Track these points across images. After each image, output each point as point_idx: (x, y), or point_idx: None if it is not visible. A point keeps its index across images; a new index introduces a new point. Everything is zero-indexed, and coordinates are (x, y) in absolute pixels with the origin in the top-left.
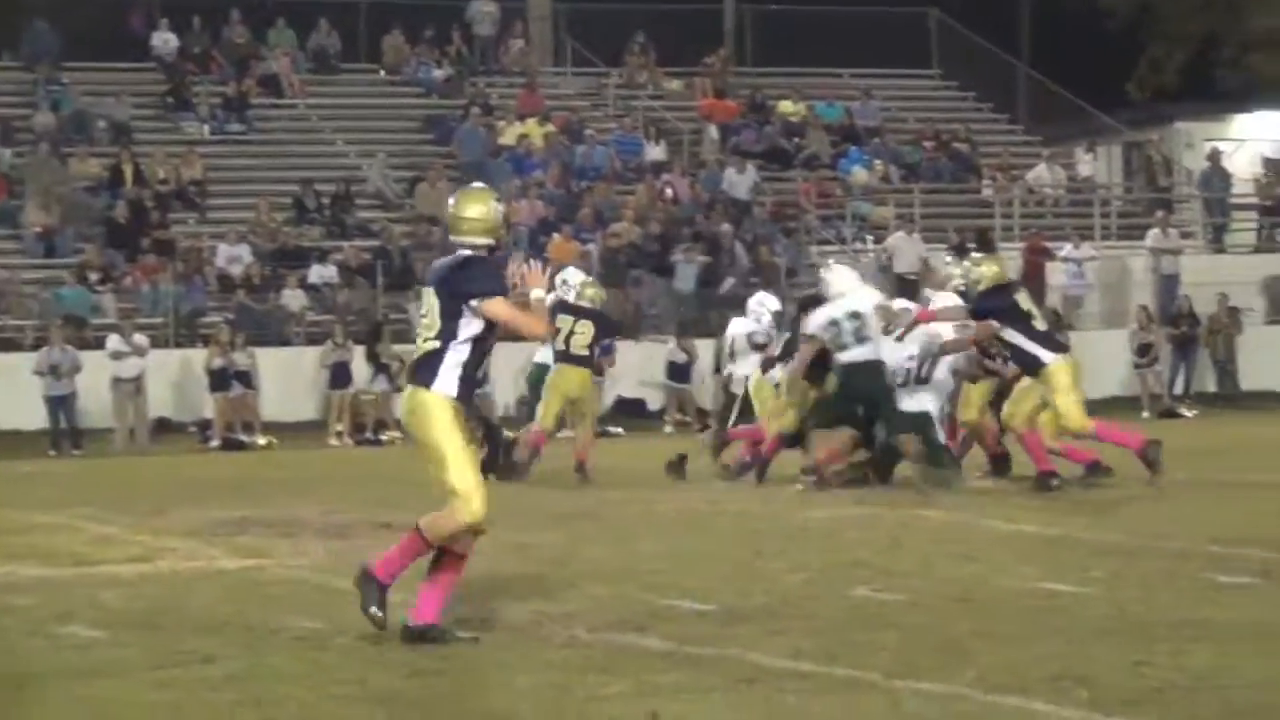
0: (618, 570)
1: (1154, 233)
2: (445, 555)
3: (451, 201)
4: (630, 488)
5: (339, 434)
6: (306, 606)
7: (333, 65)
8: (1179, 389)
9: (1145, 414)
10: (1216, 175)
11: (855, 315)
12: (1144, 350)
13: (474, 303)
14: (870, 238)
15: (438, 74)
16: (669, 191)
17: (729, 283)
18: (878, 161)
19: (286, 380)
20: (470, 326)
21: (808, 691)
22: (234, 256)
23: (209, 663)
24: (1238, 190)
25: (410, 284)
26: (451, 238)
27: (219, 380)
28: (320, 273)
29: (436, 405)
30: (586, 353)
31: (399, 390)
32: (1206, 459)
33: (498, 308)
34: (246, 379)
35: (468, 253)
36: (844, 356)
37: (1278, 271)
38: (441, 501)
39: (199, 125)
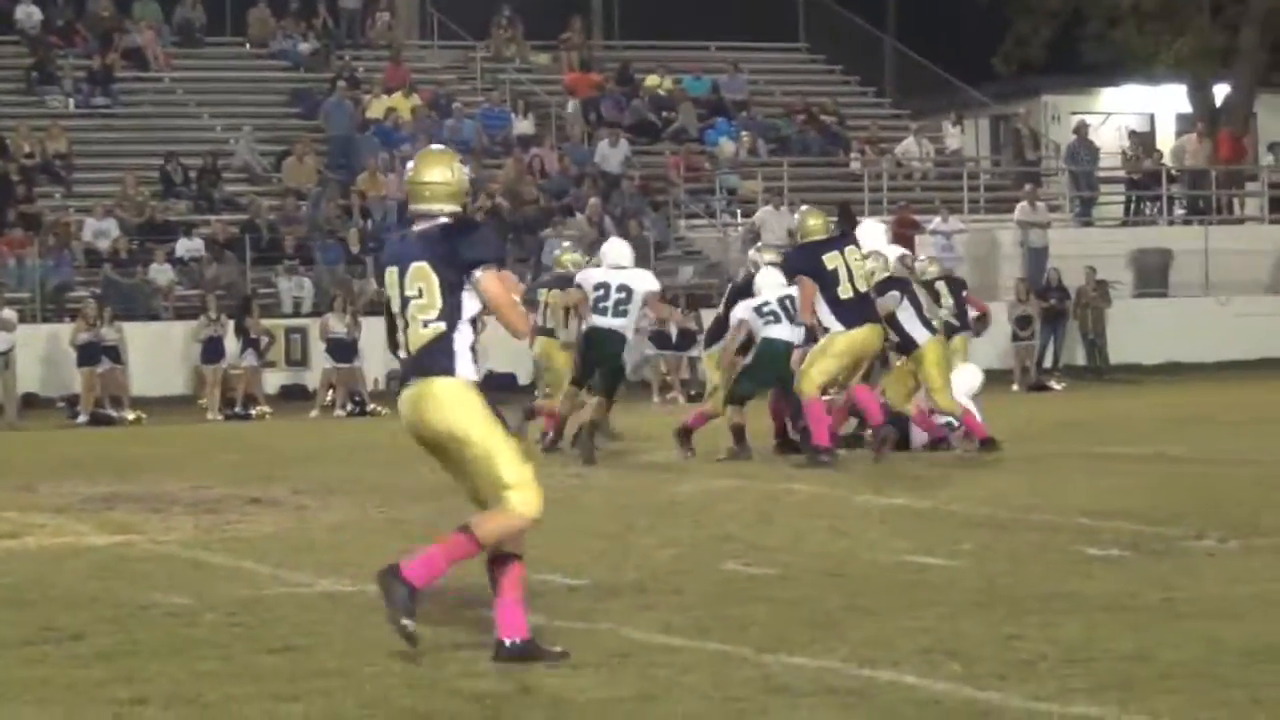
0: None
1: (1022, 206)
2: (499, 564)
3: (409, 166)
4: None
5: (209, 409)
6: (176, 582)
7: (198, 38)
8: (1048, 362)
9: (1015, 387)
10: (1083, 148)
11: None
12: (1024, 323)
13: (477, 273)
14: (739, 211)
15: (304, 47)
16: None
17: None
18: (744, 133)
19: (155, 355)
20: (472, 303)
21: (679, 666)
22: (101, 230)
23: (78, 639)
24: (1105, 164)
25: (278, 258)
26: (412, 207)
27: (87, 355)
28: (187, 247)
29: (465, 393)
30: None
31: (268, 365)
32: (1076, 432)
33: (493, 285)
34: (114, 354)
35: (446, 220)
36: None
37: (1145, 245)
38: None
39: (64, 99)
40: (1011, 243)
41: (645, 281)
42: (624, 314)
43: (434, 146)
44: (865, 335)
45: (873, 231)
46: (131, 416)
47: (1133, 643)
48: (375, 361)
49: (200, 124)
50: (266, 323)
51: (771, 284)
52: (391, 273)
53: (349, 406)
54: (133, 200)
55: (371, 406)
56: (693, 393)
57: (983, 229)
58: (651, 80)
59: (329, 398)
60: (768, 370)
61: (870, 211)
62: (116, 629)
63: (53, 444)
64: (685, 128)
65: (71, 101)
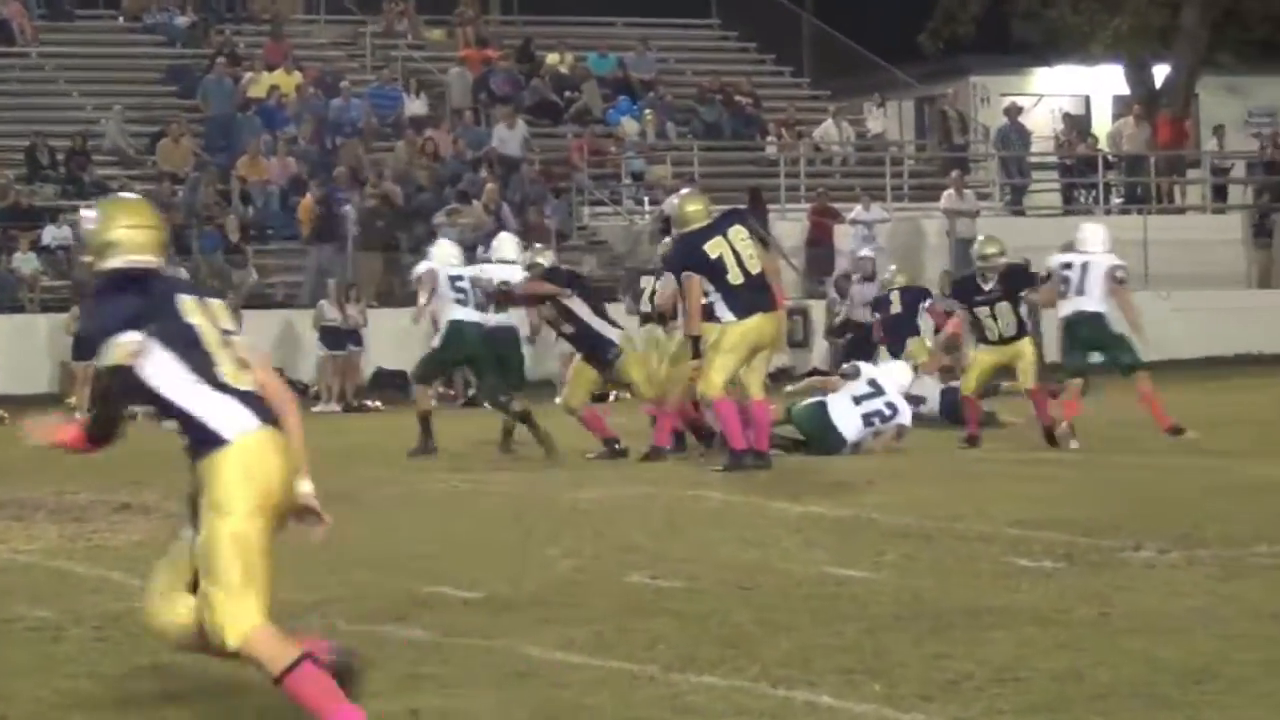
0: (377, 556)
1: (949, 193)
2: None
3: (92, 217)
4: (390, 467)
5: (76, 408)
6: (40, 594)
7: (68, 11)
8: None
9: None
10: (1014, 132)
11: None
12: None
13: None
14: (646, 198)
15: (181, 21)
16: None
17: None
18: (648, 112)
19: (19, 350)
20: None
21: (581, 685)
22: None
23: None
24: (1037, 149)
25: None
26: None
27: None
28: (55, 234)
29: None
30: None
31: None
32: (1005, 436)
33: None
34: None
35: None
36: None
37: None
38: None
39: None
40: (937, 233)
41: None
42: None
43: (122, 195)
44: (759, 324)
45: (1096, 236)
46: None
47: (1065, 661)
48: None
49: (70, 102)
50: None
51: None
52: (194, 305)
53: None
54: None
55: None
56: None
57: (906, 218)
58: (553, 58)
59: None
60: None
61: (786, 199)
62: None
63: None
64: (589, 108)
65: None
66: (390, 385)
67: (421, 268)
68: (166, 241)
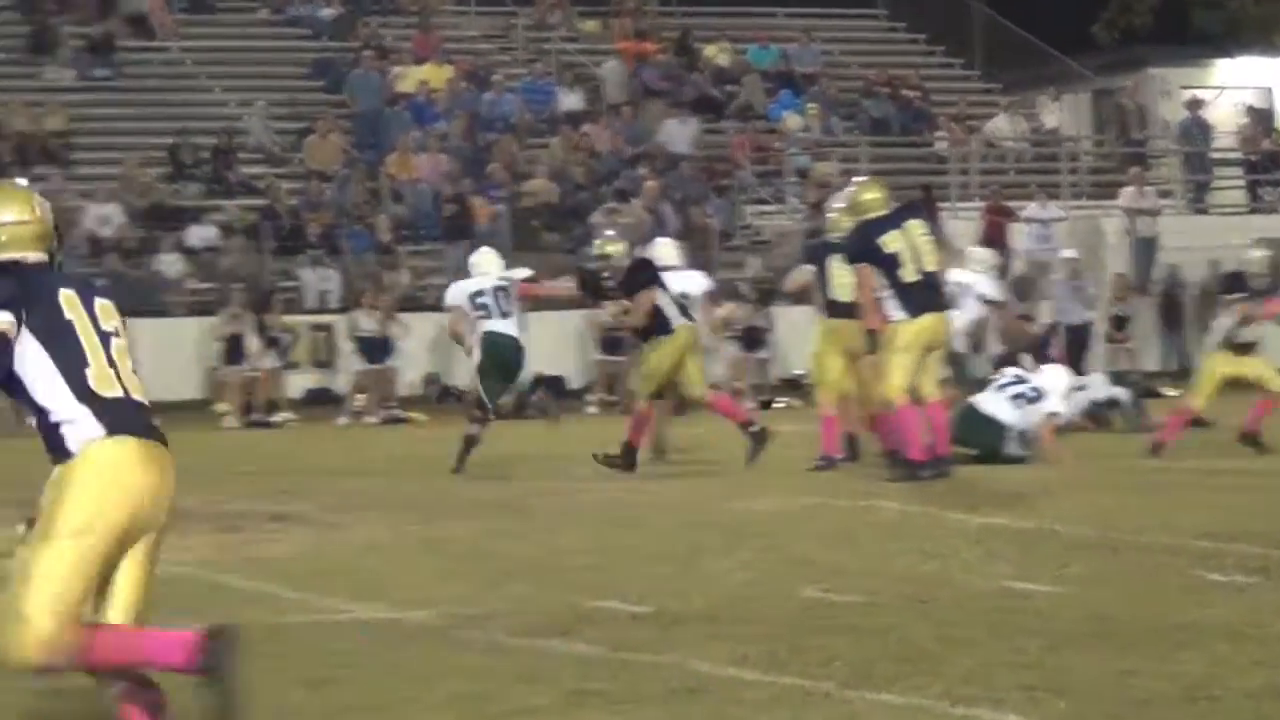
0: (540, 568)
1: (1128, 191)
2: None
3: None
4: (551, 477)
5: (226, 414)
6: (193, 607)
7: (209, 3)
8: (1154, 365)
9: None
10: (1196, 127)
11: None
12: (1120, 324)
13: None
14: (813, 196)
15: (326, 13)
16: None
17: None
18: (812, 106)
19: (165, 355)
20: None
21: (754, 702)
22: (103, 217)
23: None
24: (1219, 144)
25: (301, 247)
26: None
27: None
28: (200, 235)
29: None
30: None
31: (291, 366)
32: (1192, 445)
33: None
34: None
35: None
36: None
37: (1269, 235)
38: None
39: (61, 71)
40: (1116, 232)
41: (698, 282)
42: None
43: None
44: (932, 323)
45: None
46: None
47: (1262, 678)
48: (411, 362)
49: (212, 99)
50: (288, 319)
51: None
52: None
53: (381, 413)
54: (138, 183)
55: (406, 413)
56: (761, 399)
57: (1084, 216)
58: (712, 50)
59: (359, 403)
60: None
61: (958, 197)
62: None
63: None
64: (750, 103)
65: (70, 74)
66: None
67: (448, 300)
68: (50, 233)
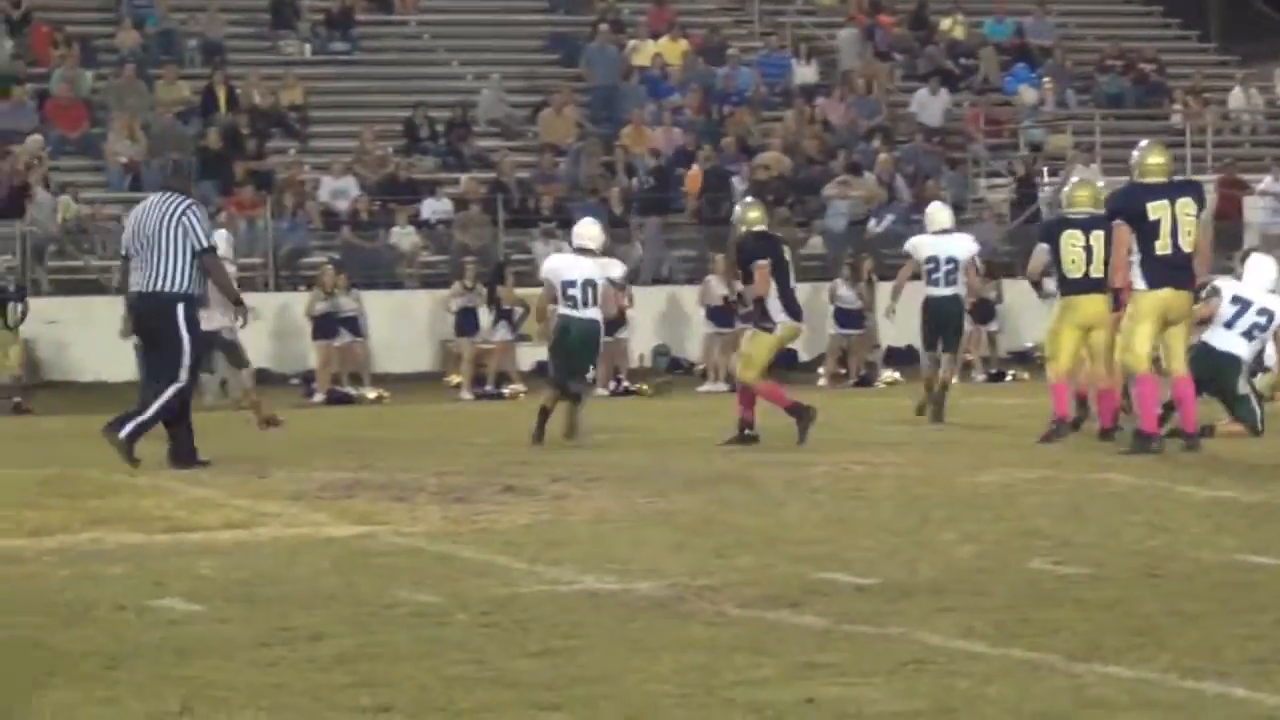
0: (767, 540)
1: None
2: None
3: None
4: (777, 449)
5: (459, 386)
6: (423, 578)
7: None
8: None
9: None
10: None
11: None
12: None
13: None
14: (1045, 169)
15: None
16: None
17: (887, 220)
18: (1047, 80)
19: (398, 327)
20: None
21: (981, 675)
22: (339, 190)
23: (316, 640)
24: None
25: (534, 220)
26: None
27: (324, 327)
28: (434, 208)
29: None
30: None
31: (523, 339)
32: None
33: None
34: (354, 325)
35: None
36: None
37: None
38: None
39: (300, 44)
40: None
41: (967, 246)
42: (954, 282)
43: None
44: (1168, 297)
45: (1263, 270)
46: (373, 395)
47: None
48: (641, 335)
49: (448, 72)
50: (520, 292)
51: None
52: None
53: (612, 385)
54: (374, 156)
55: (636, 385)
56: (991, 371)
57: None
58: (947, 23)
59: (590, 375)
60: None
61: (1193, 170)
62: (357, 629)
63: (287, 425)
64: (986, 76)
65: (308, 48)
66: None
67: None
68: None
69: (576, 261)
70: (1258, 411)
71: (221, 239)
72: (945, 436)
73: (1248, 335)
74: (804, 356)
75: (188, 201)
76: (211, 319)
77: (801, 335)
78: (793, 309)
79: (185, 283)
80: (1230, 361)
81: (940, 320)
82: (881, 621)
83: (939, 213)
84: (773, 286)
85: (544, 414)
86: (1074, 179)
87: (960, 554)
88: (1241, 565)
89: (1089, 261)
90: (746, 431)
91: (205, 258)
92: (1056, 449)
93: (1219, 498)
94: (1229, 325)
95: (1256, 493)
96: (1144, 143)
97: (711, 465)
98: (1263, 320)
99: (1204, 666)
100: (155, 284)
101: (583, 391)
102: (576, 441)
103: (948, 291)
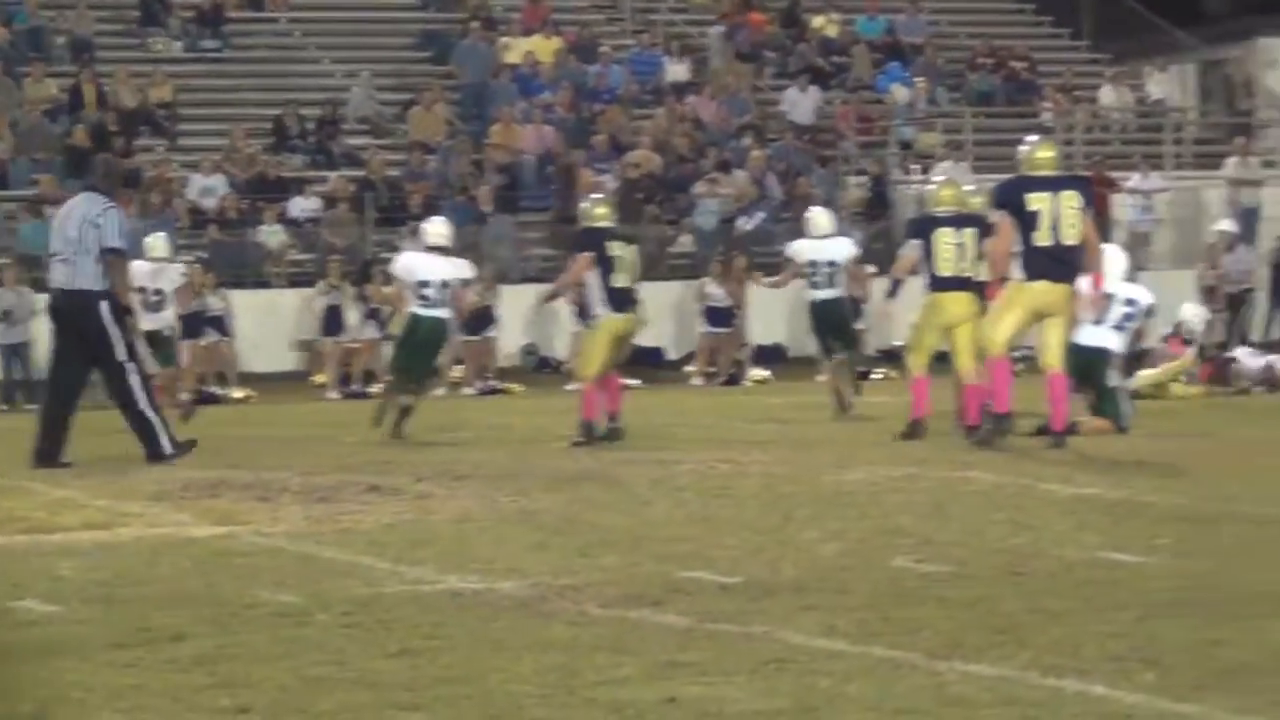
0: (631, 539)
1: (1232, 161)
2: None
3: None
4: (643, 447)
5: (324, 386)
6: (285, 579)
7: None
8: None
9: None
10: None
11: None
12: (1210, 294)
13: None
14: (916, 167)
15: None
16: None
17: (758, 217)
18: (920, 80)
19: (265, 326)
20: None
21: (842, 673)
22: (207, 188)
23: (177, 641)
24: None
25: (402, 219)
26: None
27: (190, 326)
28: (302, 206)
29: None
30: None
31: (390, 338)
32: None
33: None
34: (220, 325)
35: None
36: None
37: None
38: None
39: (169, 42)
40: (1219, 202)
41: (846, 249)
42: (836, 284)
43: None
44: (1044, 291)
45: (1115, 261)
46: (239, 394)
47: None
48: (510, 333)
49: (319, 70)
50: (388, 290)
51: None
52: None
53: (479, 384)
54: (243, 154)
55: (504, 384)
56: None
57: (1187, 187)
58: (819, 21)
59: (456, 374)
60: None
61: (1062, 168)
62: (218, 630)
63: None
64: (858, 74)
65: (178, 45)
66: (644, 361)
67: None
68: None
69: (430, 260)
70: (1123, 409)
71: (162, 241)
72: (812, 434)
73: (1118, 328)
74: (672, 355)
75: (108, 203)
76: (159, 319)
77: (641, 329)
78: (616, 302)
79: (107, 281)
80: (1098, 355)
81: (828, 322)
82: (744, 620)
83: (819, 217)
84: (597, 280)
85: (404, 411)
86: (938, 177)
87: (824, 552)
88: (1103, 563)
89: (960, 259)
90: (610, 426)
91: (111, 257)
92: (920, 446)
93: (1082, 495)
94: (1097, 321)
95: (1119, 490)
96: (1033, 137)
97: (576, 464)
98: (1130, 310)
99: (1064, 664)
100: (77, 282)
101: (419, 395)
102: (392, 437)
103: (830, 294)
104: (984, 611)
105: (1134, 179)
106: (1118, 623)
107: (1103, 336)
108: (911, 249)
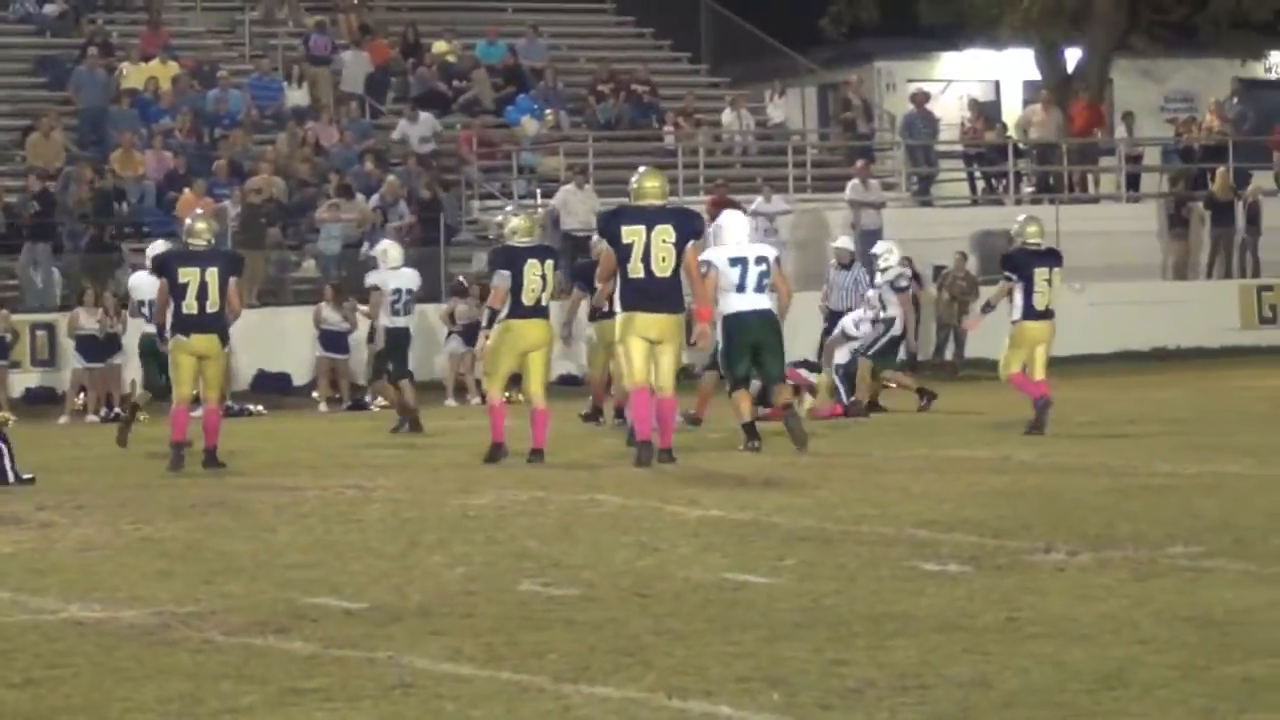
0: (256, 565)
1: (853, 184)
2: None
3: None
4: (269, 474)
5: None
6: None
7: None
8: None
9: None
10: (921, 120)
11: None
12: (834, 315)
13: None
14: (539, 191)
15: (50, 9)
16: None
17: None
18: (549, 111)
19: None
20: None
21: (469, 697)
22: None
23: None
24: (945, 136)
25: (17, 246)
26: None
27: None
28: None
29: None
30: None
31: (13, 366)
32: (913, 434)
33: None
34: None
35: None
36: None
37: (990, 226)
38: None
39: None
40: (841, 224)
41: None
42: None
43: None
44: (641, 320)
45: (737, 225)
46: None
47: (971, 667)
48: (135, 361)
49: None
50: (16, 318)
51: None
52: None
53: (103, 411)
54: None
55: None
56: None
57: (809, 210)
58: (440, 46)
59: (80, 401)
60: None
61: (685, 191)
62: None
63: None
64: (479, 98)
65: None
66: (271, 388)
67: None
68: None
69: (151, 280)
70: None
71: None
72: (439, 459)
73: (759, 288)
74: (298, 380)
75: None
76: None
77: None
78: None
79: None
80: (765, 315)
81: (400, 350)
82: (370, 645)
83: (391, 250)
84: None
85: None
86: (510, 210)
87: (449, 577)
88: (729, 584)
89: (542, 289)
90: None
91: None
92: (547, 470)
93: (709, 517)
94: (741, 288)
95: (746, 511)
96: (641, 169)
97: (202, 491)
98: (763, 268)
99: (690, 685)
100: None
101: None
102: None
103: (404, 322)
104: (611, 634)
105: (757, 201)
106: (744, 643)
107: (755, 300)
108: (503, 279)
